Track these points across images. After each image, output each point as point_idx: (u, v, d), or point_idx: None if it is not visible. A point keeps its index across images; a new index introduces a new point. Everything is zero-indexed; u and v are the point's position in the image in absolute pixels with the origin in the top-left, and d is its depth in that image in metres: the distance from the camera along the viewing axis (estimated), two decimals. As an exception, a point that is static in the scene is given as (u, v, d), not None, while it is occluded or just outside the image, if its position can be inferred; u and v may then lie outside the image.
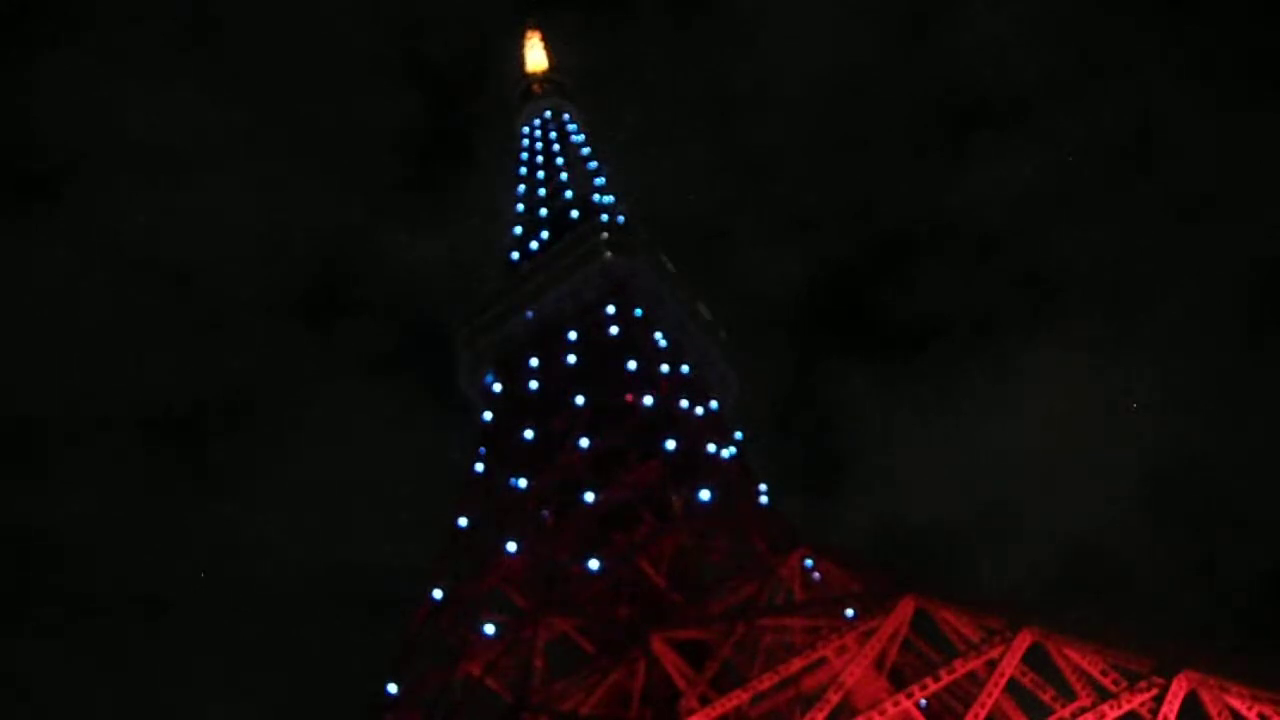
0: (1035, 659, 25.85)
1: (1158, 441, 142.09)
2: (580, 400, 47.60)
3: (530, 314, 56.37)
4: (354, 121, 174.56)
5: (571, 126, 75.26)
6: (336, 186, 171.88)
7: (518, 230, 65.40)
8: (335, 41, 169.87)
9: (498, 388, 54.62)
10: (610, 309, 53.09)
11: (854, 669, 26.47)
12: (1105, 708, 23.63)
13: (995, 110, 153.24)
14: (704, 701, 28.41)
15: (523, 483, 45.94)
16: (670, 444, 43.83)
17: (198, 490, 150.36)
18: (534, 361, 53.05)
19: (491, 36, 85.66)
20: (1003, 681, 24.90)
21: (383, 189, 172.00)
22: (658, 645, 31.53)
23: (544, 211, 65.66)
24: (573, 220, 62.57)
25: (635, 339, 51.55)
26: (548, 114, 76.66)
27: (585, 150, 71.34)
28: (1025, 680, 26.34)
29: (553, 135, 73.99)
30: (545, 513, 44.80)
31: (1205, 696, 22.84)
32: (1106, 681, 24.24)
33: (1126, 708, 23.48)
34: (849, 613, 29.62)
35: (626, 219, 60.96)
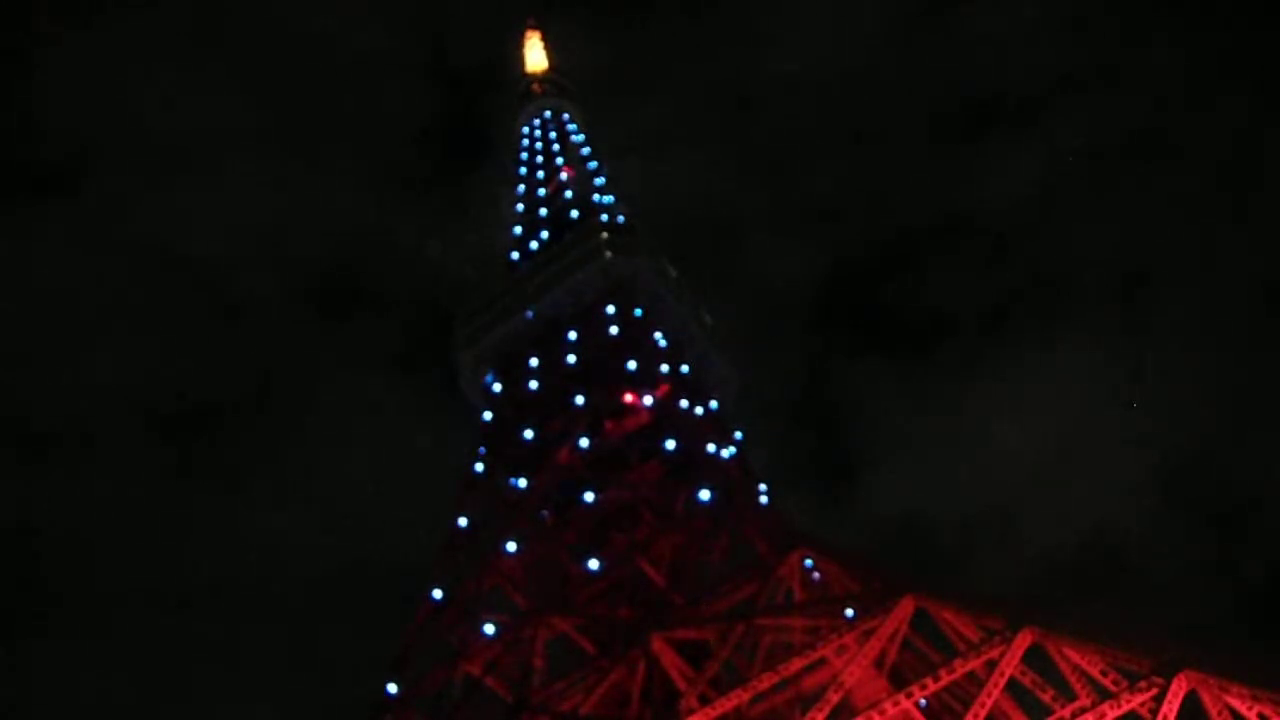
0: (1035, 659, 25.86)
1: (1168, 439, 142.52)
2: (580, 400, 47.61)
3: (530, 314, 56.38)
4: (372, 117, 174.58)
5: (571, 126, 75.22)
6: (354, 184, 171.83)
7: (518, 230, 65.44)
8: (354, 37, 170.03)
9: (498, 388, 54.65)
10: (610, 309, 53.10)
11: (854, 669, 26.48)
12: (1105, 708, 23.65)
13: (1008, 107, 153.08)
14: (704, 701, 28.41)
15: (523, 483, 45.97)
16: (670, 444, 43.85)
17: (209, 488, 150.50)
18: (534, 361, 53.06)
19: (510, 35, 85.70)
20: (1002, 681, 24.91)
21: (400, 185, 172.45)
22: (658, 645, 31.55)
23: (544, 211, 65.68)
24: (573, 220, 62.60)
25: (635, 339, 51.57)
26: (547, 114, 76.61)
27: (585, 150, 71.33)
28: (1025, 680, 26.32)
29: (552, 135, 73.97)
30: (545, 513, 44.84)
31: (1205, 696, 22.83)
32: (1106, 681, 24.25)
33: (1126, 708, 23.49)
34: (849, 613, 29.63)
35: (627, 219, 60.96)
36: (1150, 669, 23.56)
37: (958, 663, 25.65)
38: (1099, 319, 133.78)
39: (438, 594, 41.92)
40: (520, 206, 68.04)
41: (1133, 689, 23.50)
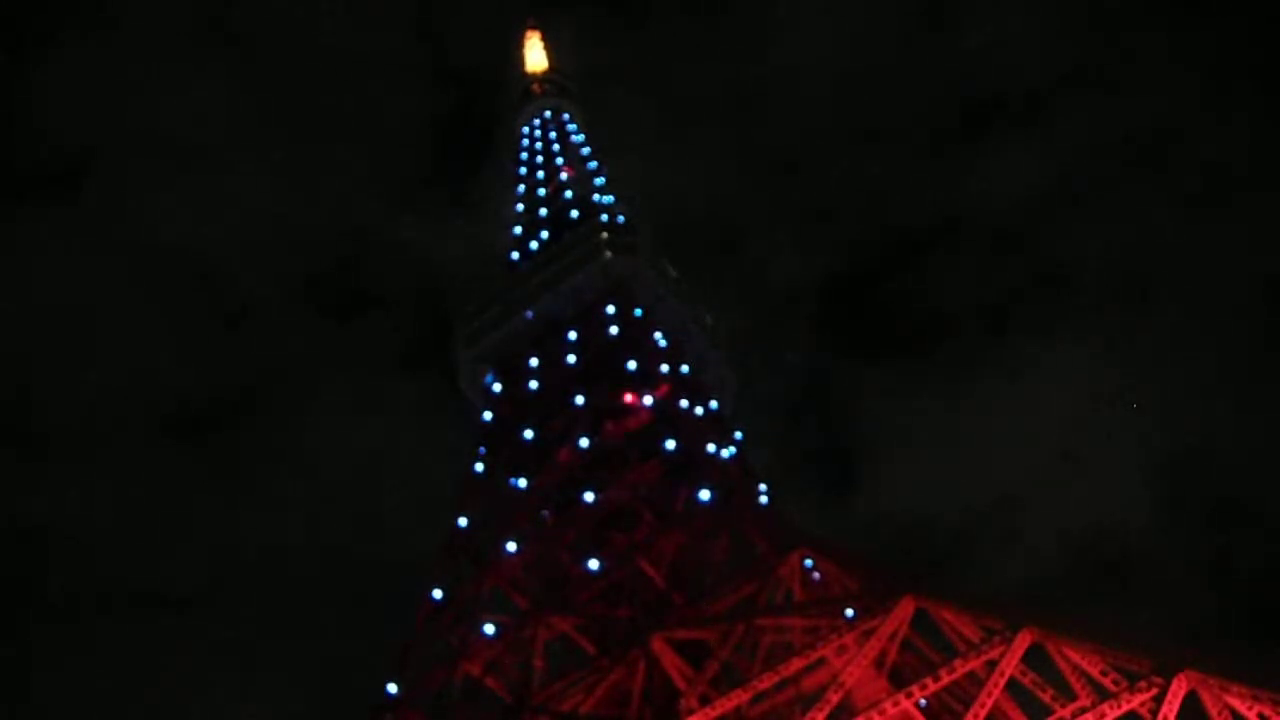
0: (1035, 659, 25.85)
1: (1168, 438, 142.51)
2: (580, 400, 47.61)
3: (530, 314, 56.38)
4: (373, 117, 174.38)
5: (571, 126, 75.17)
6: (355, 184, 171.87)
7: (517, 230, 65.42)
8: (355, 37, 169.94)
9: (498, 388, 54.64)
10: (610, 309, 53.09)
11: (853, 669, 26.47)
12: (1105, 708, 23.62)
13: (1011, 106, 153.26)
14: (704, 701, 28.41)
15: (523, 483, 45.97)
16: (670, 444, 43.84)
17: (209, 488, 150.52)
18: (534, 361, 53.07)
19: (510, 35, 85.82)
20: (1003, 681, 24.90)
21: (405, 185, 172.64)
22: (658, 645, 31.55)
23: (544, 211, 65.64)
24: (573, 220, 62.57)
25: (635, 339, 51.56)
26: (547, 114, 76.57)
27: (585, 150, 71.30)
28: (1025, 680, 26.32)
29: (552, 135, 73.93)
30: (545, 513, 44.83)
31: (1205, 696, 22.81)
32: (1106, 681, 24.23)
33: (1126, 708, 23.46)
34: (849, 613, 29.62)
35: (627, 219, 60.94)
36: (1150, 669, 23.53)
37: (958, 663, 25.64)
38: (1099, 319, 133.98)
39: (438, 594, 41.91)
40: (520, 206, 68.00)
41: (1133, 689, 23.48)
